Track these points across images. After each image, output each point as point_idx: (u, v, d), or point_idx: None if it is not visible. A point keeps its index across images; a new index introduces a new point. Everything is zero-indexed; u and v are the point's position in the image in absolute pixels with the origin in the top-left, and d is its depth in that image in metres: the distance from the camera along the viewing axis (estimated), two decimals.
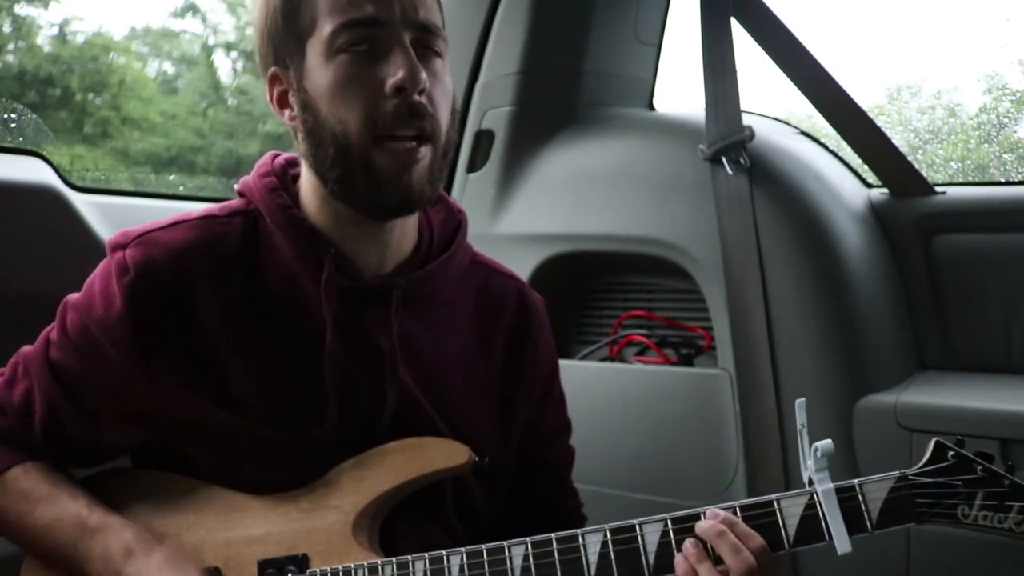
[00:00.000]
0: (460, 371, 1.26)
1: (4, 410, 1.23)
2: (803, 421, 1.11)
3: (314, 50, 1.13)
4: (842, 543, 1.06)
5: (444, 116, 1.16)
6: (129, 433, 1.21)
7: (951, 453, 1.07)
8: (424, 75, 1.11)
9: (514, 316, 1.33)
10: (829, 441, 1.08)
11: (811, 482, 1.08)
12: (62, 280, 1.27)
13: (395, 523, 1.19)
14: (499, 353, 1.30)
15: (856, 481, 1.07)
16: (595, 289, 2.15)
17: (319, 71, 1.13)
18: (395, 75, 1.10)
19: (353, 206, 1.16)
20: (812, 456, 1.08)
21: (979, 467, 1.06)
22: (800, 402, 1.12)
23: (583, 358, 2.07)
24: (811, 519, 1.06)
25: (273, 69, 1.19)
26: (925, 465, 1.08)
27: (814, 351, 1.75)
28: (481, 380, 1.28)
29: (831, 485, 1.07)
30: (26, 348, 1.25)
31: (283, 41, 1.16)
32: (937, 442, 1.09)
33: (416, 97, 1.10)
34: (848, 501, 1.06)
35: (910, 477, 1.06)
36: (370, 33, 1.11)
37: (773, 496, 1.08)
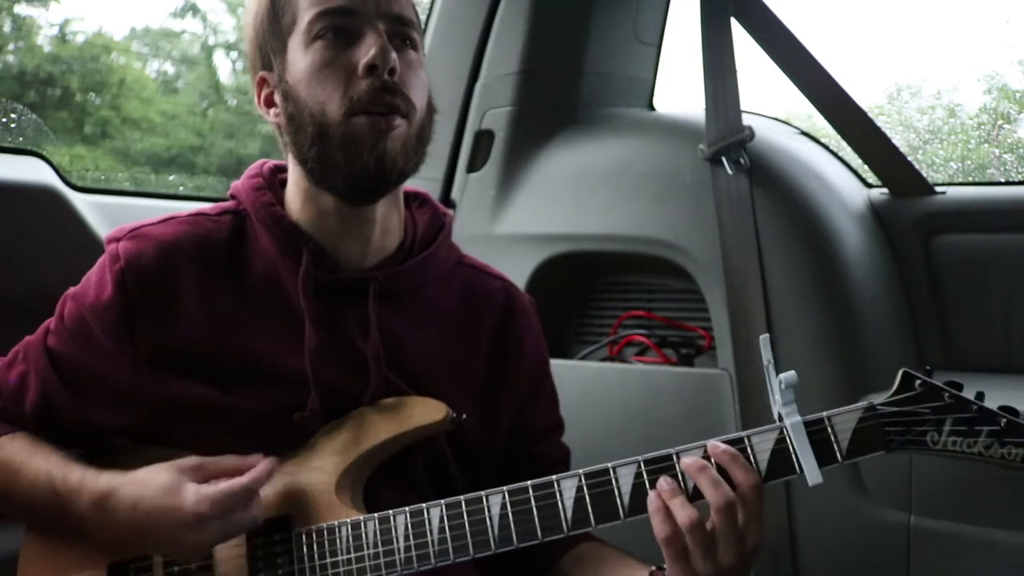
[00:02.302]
0: (443, 367, 1.28)
1: None
2: (769, 357, 1.13)
3: (295, 42, 1.20)
4: (812, 475, 1.07)
5: (419, 101, 1.21)
6: (119, 416, 1.24)
7: (918, 382, 1.09)
8: (394, 55, 1.17)
9: (500, 314, 1.35)
10: (792, 373, 1.10)
11: (780, 417, 1.10)
12: (62, 280, 1.29)
13: (376, 497, 1.21)
14: (484, 350, 1.33)
15: (824, 413, 1.09)
16: (595, 289, 2.15)
17: (299, 60, 1.19)
18: (367, 55, 1.16)
19: (333, 188, 1.21)
20: (779, 390, 1.10)
21: (947, 394, 1.08)
22: (764, 338, 1.15)
23: (583, 358, 2.07)
24: (781, 452, 1.09)
25: (261, 73, 1.25)
26: (893, 395, 1.09)
27: (814, 351, 1.75)
28: (466, 377, 1.30)
29: (799, 418, 1.09)
30: (29, 337, 1.30)
31: (268, 42, 1.23)
32: (904, 372, 1.10)
33: (387, 77, 1.16)
34: (817, 434, 1.09)
35: (878, 407, 1.09)
36: (345, 22, 1.18)
37: (743, 433, 1.11)
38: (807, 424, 1.09)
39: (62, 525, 1.18)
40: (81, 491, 1.15)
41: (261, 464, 1.13)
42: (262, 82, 1.26)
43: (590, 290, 2.15)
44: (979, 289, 1.77)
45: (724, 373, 1.83)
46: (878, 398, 1.68)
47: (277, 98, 1.23)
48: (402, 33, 1.21)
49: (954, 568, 1.60)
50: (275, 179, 1.31)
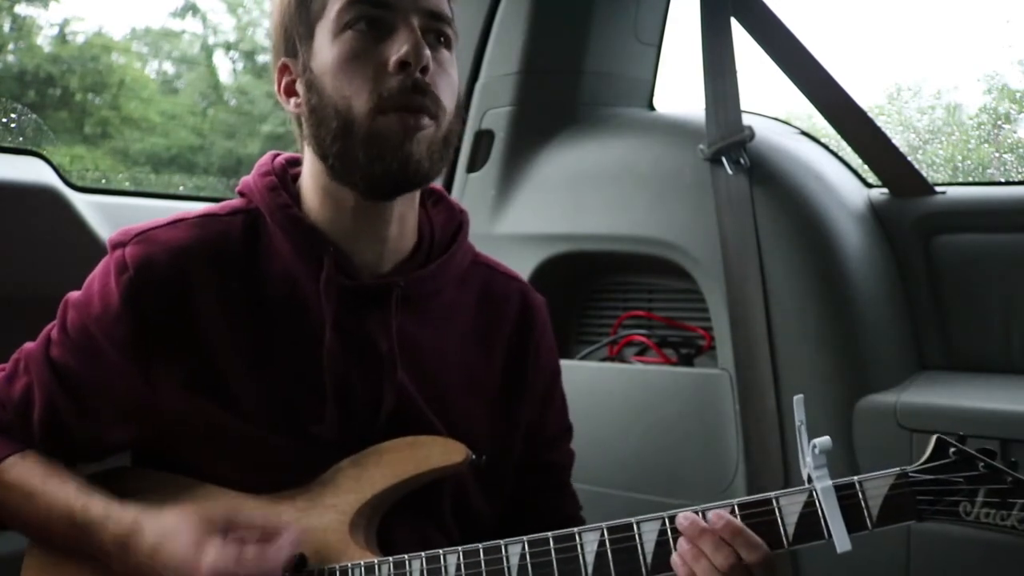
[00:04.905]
0: (460, 371, 1.26)
1: (3, 405, 1.23)
2: (801, 418, 1.10)
3: (323, 31, 1.15)
4: (841, 541, 1.05)
5: (448, 103, 1.16)
6: (128, 431, 1.21)
7: (952, 450, 1.06)
8: (428, 53, 1.12)
9: (516, 317, 1.32)
10: (827, 438, 1.07)
11: (810, 480, 1.08)
12: (62, 280, 1.28)
13: (392, 525, 1.19)
14: (500, 354, 1.30)
15: (856, 478, 1.06)
16: (595, 289, 2.15)
17: (326, 49, 1.14)
18: (399, 51, 1.11)
19: (352, 184, 1.16)
20: (811, 453, 1.08)
21: (981, 464, 1.05)
22: (798, 399, 1.11)
23: (583, 358, 2.07)
24: (810, 517, 1.06)
25: (283, 59, 1.20)
26: (926, 462, 1.06)
27: (814, 351, 1.75)
28: (482, 381, 1.27)
29: (830, 483, 1.06)
30: (28, 344, 1.25)
31: (295, 27, 1.18)
32: (938, 439, 1.07)
33: (419, 75, 1.11)
34: (848, 499, 1.05)
35: (911, 474, 1.05)
36: (378, 13, 1.13)
37: (772, 494, 1.08)
38: (838, 488, 1.06)
39: (81, 554, 1.16)
40: (105, 525, 1.13)
41: (287, 535, 1.09)
42: (284, 69, 1.20)
43: (590, 290, 2.15)
44: (979, 289, 1.77)
45: (724, 373, 1.83)
46: (877, 398, 1.70)
47: (299, 87, 1.17)
48: (437, 29, 1.15)
49: (954, 568, 1.61)
50: (287, 175, 1.24)
